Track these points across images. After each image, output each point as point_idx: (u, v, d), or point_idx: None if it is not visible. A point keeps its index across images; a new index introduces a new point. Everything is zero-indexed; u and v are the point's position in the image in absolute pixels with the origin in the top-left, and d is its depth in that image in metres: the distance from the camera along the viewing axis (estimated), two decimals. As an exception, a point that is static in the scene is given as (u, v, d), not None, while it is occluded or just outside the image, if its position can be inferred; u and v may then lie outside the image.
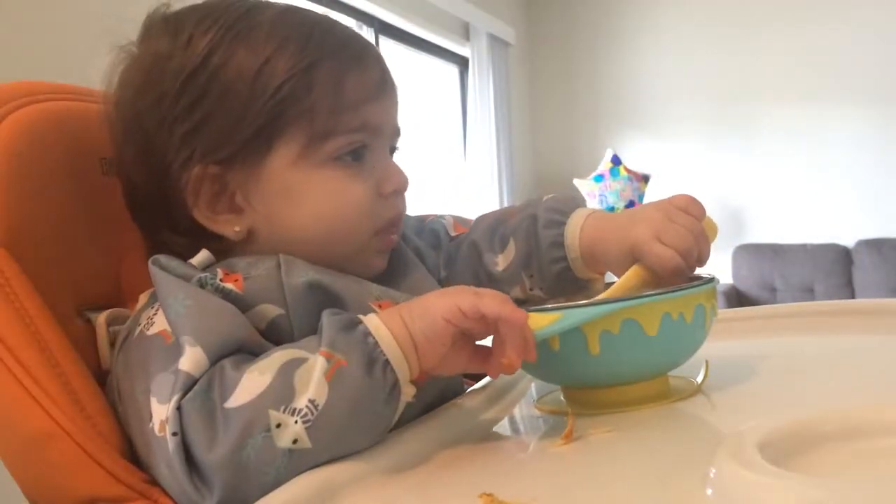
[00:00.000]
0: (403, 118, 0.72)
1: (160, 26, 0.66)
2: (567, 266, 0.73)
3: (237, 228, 0.65)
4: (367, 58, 0.68)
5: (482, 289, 0.57)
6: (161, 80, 0.63)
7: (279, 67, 0.63)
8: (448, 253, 0.80)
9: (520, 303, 0.62)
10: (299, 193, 0.65)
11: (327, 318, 0.56)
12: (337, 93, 0.64)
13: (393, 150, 0.72)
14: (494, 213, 0.81)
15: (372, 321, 0.56)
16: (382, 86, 0.68)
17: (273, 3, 0.67)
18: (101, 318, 0.66)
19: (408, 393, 0.56)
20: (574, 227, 0.73)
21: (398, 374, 0.55)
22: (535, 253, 0.74)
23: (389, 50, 3.75)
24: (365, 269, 0.69)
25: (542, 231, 0.74)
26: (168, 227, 0.66)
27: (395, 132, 0.71)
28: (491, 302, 0.56)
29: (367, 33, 3.56)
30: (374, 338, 0.55)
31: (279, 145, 0.64)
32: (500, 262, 0.76)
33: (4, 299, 0.59)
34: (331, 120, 0.64)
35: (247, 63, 0.63)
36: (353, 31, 0.69)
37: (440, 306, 0.56)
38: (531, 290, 0.76)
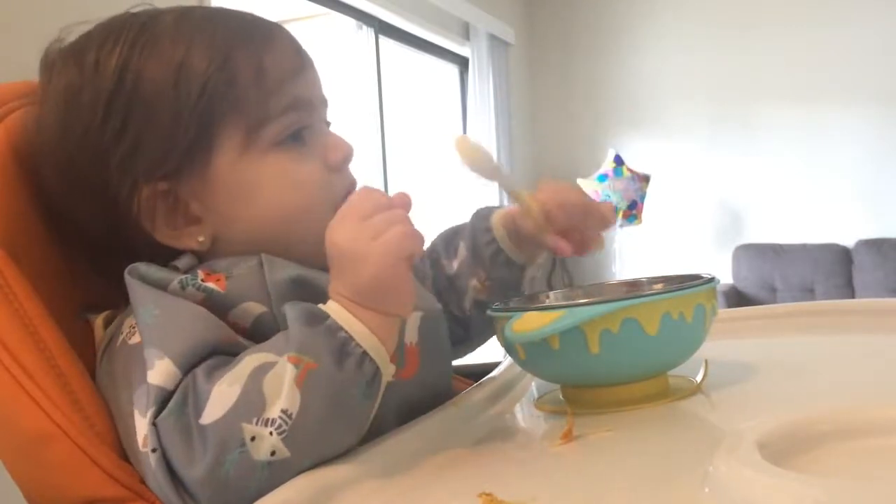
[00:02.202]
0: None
1: (61, 61, 0.64)
2: (498, 247, 0.78)
3: (201, 238, 0.64)
4: (278, 35, 0.66)
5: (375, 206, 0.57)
6: (80, 112, 0.61)
7: (195, 68, 0.61)
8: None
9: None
10: (253, 186, 0.64)
11: (290, 311, 0.55)
12: (259, 77, 0.63)
13: (327, 122, 0.71)
14: (453, 227, 0.85)
15: (340, 314, 0.55)
16: (300, 59, 0.67)
17: (167, 10, 0.66)
18: (98, 320, 0.66)
19: (388, 374, 0.56)
20: (497, 214, 0.80)
21: (378, 362, 0.54)
22: (475, 245, 0.80)
23: (389, 50, 3.75)
24: None
25: (476, 223, 0.81)
26: (129, 257, 0.62)
27: (324, 103, 0.70)
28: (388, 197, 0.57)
29: (367, 33, 3.56)
30: (346, 332, 0.54)
31: (220, 144, 0.63)
32: (455, 265, 0.81)
33: (4, 300, 0.59)
34: (262, 105, 0.63)
35: (161, 73, 0.61)
36: (251, 15, 0.68)
37: (376, 256, 0.55)
38: (485, 281, 0.80)
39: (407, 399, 0.65)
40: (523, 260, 0.79)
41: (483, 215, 0.81)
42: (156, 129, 0.61)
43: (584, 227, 0.75)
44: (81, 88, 0.61)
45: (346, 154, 0.68)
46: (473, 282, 0.79)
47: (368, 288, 0.55)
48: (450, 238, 0.83)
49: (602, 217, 0.75)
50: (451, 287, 0.81)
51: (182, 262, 0.62)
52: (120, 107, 0.61)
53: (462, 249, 0.81)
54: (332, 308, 0.56)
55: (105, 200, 0.62)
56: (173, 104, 0.61)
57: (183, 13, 0.65)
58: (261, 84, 0.63)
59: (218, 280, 0.60)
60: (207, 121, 0.62)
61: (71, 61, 0.63)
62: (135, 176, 0.61)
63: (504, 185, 0.75)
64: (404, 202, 0.58)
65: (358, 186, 0.70)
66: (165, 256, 0.63)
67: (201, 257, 0.64)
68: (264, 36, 0.65)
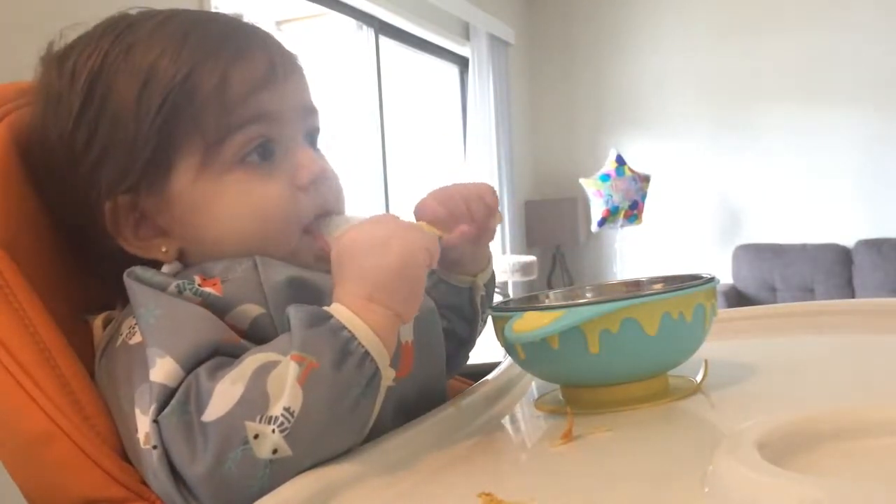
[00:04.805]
0: (319, 100, 0.69)
1: (45, 65, 0.64)
2: (438, 278, 0.78)
3: (164, 249, 0.64)
4: (251, 48, 0.64)
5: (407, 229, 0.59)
6: (56, 119, 0.62)
7: (157, 84, 0.60)
8: None
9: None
10: (211, 206, 0.63)
11: (293, 312, 0.55)
12: (222, 93, 0.61)
13: (313, 132, 0.69)
14: None
15: (343, 314, 0.55)
16: (272, 71, 0.64)
17: (153, 14, 0.65)
18: (97, 321, 0.66)
19: (388, 377, 0.56)
20: None
21: (378, 363, 0.54)
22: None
23: (389, 50, 3.75)
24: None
25: None
26: (102, 259, 0.63)
27: (306, 112, 0.68)
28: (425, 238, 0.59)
29: (367, 33, 3.56)
30: (349, 332, 0.54)
31: (178, 162, 0.62)
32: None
33: (4, 300, 0.59)
34: (221, 122, 0.62)
35: (127, 87, 0.60)
36: (235, 23, 0.66)
37: (399, 244, 0.57)
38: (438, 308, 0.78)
39: (402, 397, 0.65)
40: (467, 283, 0.78)
41: None
42: (119, 144, 0.61)
43: (472, 212, 0.73)
44: (59, 95, 0.62)
45: (315, 173, 0.65)
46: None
47: (391, 274, 0.57)
48: None
49: (479, 197, 0.73)
50: None
51: (169, 269, 0.62)
52: (89, 119, 0.61)
53: None
54: (335, 309, 0.56)
55: (78, 203, 0.63)
56: (135, 119, 0.60)
57: (165, 19, 0.64)
58: (222, 98, 0.62)
59: (214, 284, 0.60)
60: (166, 137, 0.61)
61: (53, 66, 0.63)
62: (98, 189, 0.62)
63: None
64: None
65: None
66: (137, 262, 0.62)
67: (184, 264, 0.64)
68: (237, 46, 0.64)
